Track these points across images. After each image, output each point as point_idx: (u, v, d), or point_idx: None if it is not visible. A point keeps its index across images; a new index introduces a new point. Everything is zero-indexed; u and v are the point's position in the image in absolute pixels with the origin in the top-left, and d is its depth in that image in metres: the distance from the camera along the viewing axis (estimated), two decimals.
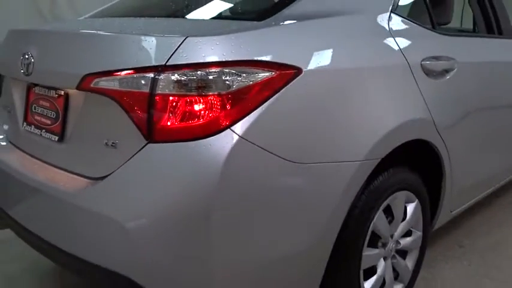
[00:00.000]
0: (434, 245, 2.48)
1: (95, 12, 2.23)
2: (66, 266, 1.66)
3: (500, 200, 3.19)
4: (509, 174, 2.80)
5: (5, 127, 1.92)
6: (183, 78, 1.27)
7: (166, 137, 1.29)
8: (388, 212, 1.73)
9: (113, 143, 1.38)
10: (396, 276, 1.86)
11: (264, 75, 1.31)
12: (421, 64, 1.78)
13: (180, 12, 1.94)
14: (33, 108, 1.70)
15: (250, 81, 1.30)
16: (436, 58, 1.88)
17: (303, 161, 1.37)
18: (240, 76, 1.29)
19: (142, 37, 1.35)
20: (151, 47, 1.32)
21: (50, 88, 1.60)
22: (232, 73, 1.29)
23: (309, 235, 1.44)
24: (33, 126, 1.69)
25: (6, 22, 4.44)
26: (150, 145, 1.30)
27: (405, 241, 1.86)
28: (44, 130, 1.63)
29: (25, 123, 1.73)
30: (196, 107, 1.27)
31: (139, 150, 1.31)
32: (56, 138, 1.57)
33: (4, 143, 1.88)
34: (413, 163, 1.84)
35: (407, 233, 1.87)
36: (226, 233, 1.29)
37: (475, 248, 2.49)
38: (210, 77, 1.27)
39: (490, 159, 2.43)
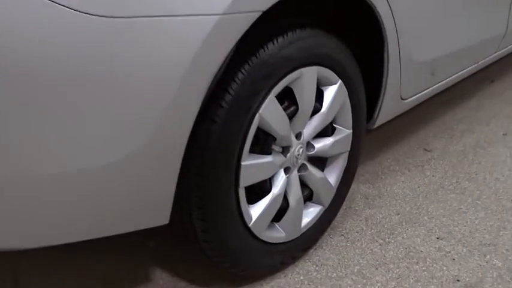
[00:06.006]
0: (389, 148, 1.58)
1: None
2: None
3: (484, 86, 2.01)
4: (489, 51, 1.64)
5: None
6: None
7: None
8: (290, 98, 0.90)
9: None
10: (310, 196, 1.01)
11: None
12: None
13: None
14: None
15: None
16: None
17: (117, 15, 0.61)
18: None
19: None
20: None
21: None
22: None
23: (140, 128, 0.68)
24: None
25: None
26: None
27: (323, 143, 1.00)
28: None
29: None
30: None
31: None
32: None
33: None
34: (337, 27, 0.98)
35: (326, 132, 0.99)
36: None
37: (444, 154, 1.55)
38: None
39: (458, 27, 1.38)
